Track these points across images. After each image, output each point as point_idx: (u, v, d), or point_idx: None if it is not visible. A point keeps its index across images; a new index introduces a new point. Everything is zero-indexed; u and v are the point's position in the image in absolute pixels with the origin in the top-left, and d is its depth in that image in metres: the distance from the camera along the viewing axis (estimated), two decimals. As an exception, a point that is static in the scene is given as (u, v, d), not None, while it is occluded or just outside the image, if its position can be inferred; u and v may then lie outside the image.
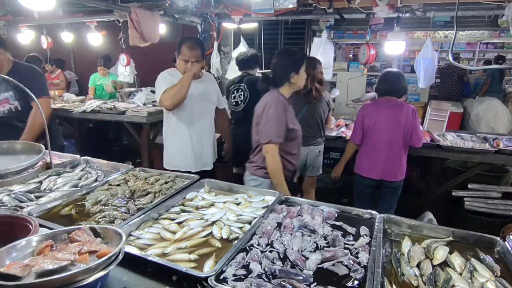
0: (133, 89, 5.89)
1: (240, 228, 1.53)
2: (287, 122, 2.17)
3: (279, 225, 1.54)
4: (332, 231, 1.50)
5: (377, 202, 2.97)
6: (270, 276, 1.18)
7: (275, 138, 2.11)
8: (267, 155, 2.13)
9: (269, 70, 2.38)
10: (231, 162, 3.64)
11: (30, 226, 1.25)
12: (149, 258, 1.25)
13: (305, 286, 1.13)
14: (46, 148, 1.71)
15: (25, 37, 5.89)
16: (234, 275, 1.17)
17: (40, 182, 2.01)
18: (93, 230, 1.22)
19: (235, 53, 4.33)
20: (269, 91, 2.29)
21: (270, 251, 1.33)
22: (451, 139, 3.53)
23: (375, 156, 2.84)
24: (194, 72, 2.49)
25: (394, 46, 3.98)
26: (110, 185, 1.98)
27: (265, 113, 2.16)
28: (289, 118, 2.19)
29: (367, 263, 1.26)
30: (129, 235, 1.47)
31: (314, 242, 1.40)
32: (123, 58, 5.23)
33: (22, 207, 1.69)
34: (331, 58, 4.64)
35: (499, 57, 6.98)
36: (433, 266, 1.28)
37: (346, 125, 4.07)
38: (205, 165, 2.74)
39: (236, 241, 1.40)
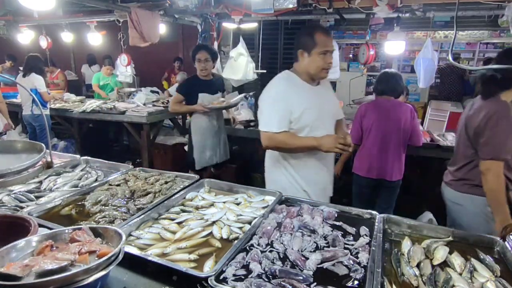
0: (133, 89, 5.90)
1: (240, 228, 1.53)
2: None
3: (279, 225, 1.54)
4: (332, 231, 1.50)
5: (375, 202, 2.97)
6: (270, 276, 1.18)
7: (503, 154, 1.84)
8: (487, 173, 1.86)
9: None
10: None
11: (30, 226, 1.25)
12: (149, 258, 1.25)
13: (305, 286, 1.13)
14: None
15: (25, 37, 5.90)
16: (234, 275, 1.17)
17: (40, 182, 2.01)
18: (93, 230, 1.22)
19: (233, 53, 4.32)
20: (486, 96, 1.95)
21: (270, 251, 1.33)
22: (451, 139, 3.52)
23: (373, 156, 2.84)
24: (335, 149, 1.81)
25: (394, 46, 3.99)
26: (110, 185, 1.98)
27: (491, 124, 1.86)
28: None
29: (367, 263, 1.26)
30: (129, 235, 1.47)
31: (314, 242, 1.40)
32: (123, 58, 5.23)
33: (22, 207, 1.69)
34: (337, 57, 4.55)
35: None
36: (433, 266, 1.28)
37: (347, 125, 4.06)
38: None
39: (236, 241, 1.40)
